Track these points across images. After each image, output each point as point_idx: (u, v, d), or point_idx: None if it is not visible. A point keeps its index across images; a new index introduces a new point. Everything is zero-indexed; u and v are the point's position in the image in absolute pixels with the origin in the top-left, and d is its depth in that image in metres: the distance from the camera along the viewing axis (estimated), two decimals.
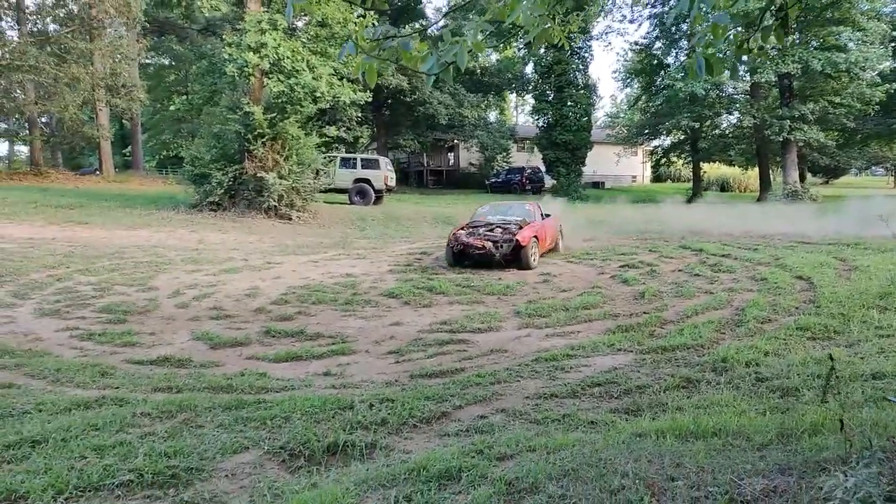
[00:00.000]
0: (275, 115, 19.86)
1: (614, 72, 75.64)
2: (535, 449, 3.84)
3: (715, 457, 3.40)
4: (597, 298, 8.83)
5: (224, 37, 20.74)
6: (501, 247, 11.78)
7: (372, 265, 12.82)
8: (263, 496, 3.56)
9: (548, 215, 14.15)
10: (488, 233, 12.32)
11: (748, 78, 31.87)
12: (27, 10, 33.46)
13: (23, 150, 44.70)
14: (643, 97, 39.67)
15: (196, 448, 4.17)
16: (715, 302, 8.26)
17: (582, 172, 38.61)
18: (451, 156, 49.44)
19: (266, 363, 6.39)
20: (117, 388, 5.49)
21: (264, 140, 19.96)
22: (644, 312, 7.93)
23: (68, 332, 7.41)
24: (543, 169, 40.65)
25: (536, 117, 39.55)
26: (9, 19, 34.85)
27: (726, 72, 2.73)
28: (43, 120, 36.27)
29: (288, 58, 19.06)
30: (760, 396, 4.97)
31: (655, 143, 43.03)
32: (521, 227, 12.41)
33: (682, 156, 41.31)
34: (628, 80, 42.13)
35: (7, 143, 43.88)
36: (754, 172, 42.54)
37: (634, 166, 54.67)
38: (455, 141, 45.27)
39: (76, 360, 6.26)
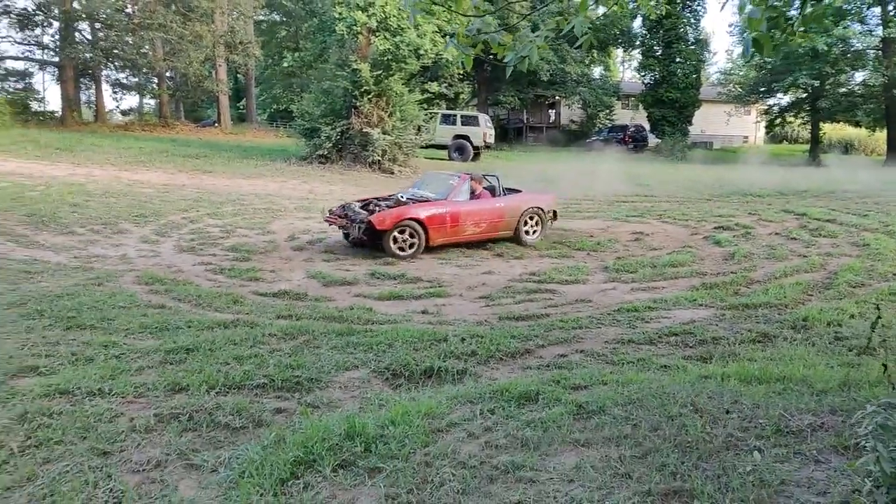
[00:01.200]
0: (380, 72, 20.60)
1: (730, 25, 71.28)
2: (608, 382, 4.32)
3: (772, 397, 3.77)
4: (686, 257, 9.05)
5: None
6: (358, 227, 9.43)
7: None
8: (371, 403, 4.26)
9: (515, 191, 11.49)
10: (361, 209, 10.04)
11: (880, 32, 29.54)
12: None
13: (150, 103, 48.08)
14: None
15: (314, 364, 4.96)
16: (807, 265, 8.28)
17: (688, 132, 37.35)
18: (551, 112, 48.91)
19: (371, 300, 7.15)
20: (248, 313, 6.40)
21: (370, 97, 20.79)
22: (731, 272, 8.11)
23: (203, 266, 8.50)
24: (648, 127, 39.58)
25: (643, 74, 38.41)
26: None
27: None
28: (168, 75, 38.84)
29: (394, 16, 19.66)
30: (835, 353, 5.19)
31: (771, 101, 40.72)
32: (397, 207, 9.84)
33: (800, 115, 38.92)
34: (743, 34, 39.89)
35: (138, 96, 47.29)
36: (882, 135, 39.52)
37: (747, 126, 51.94)
38: (556, 97, 44.69)
39: (212, 289, 7.27)
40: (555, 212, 11.35)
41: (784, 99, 39.24)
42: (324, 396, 4.47)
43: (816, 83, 32.94)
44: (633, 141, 39.79)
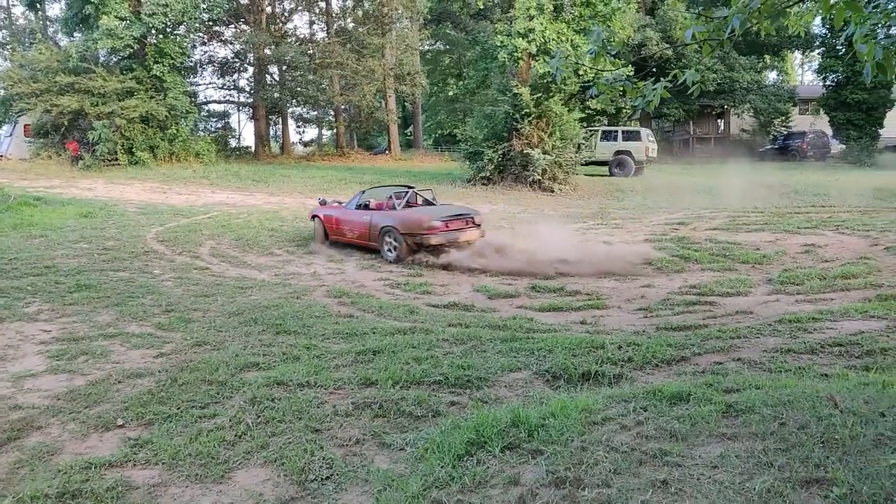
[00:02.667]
0: (540, 94, 21.21)
1: None
2: (761, 387, 4.48)
3: None
4: (860, 269, 8.59)
5: (495, 24, 22.55)
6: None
7: (628, 234, 13.51)
8: (532, 400, 4.76)
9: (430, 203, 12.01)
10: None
11: None
12: (333, 13, 39.38)
13: (327, 134, 52.61)
14: None
15: (482, 365, 5.56)
16: None
17: (878, 136, 33.93)
18: (720, 122, 46.59)
19: (532, 311, 7.65)
20: (423, 322, 7.18)
21: (530, 119, 21.45)
22: None
23: (381, 282, 9.50)
24: (830, 133, 36.50)
25: (823, 76, 35.56)
26: (320, 23, 41.34)
27: None
28: (343, 107, 42.34)
29: (553, 39, 20.21)
30: None
31: None
32: None
33: None
34: None
35: (317, 128, 51.92)
36: None
37: None
38: (725, 107, 42.58)
39: (391, 301, 8.18)
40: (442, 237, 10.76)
41: None
42: (491, 393, 5.05)
43: None
44: (814, 148, 36.84)
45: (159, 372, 5.45)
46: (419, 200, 12.15)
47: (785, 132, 40.33)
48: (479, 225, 11.32)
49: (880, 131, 33.96)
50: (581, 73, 20.72)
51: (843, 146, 34.08)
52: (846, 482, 2.89)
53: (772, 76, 48.95)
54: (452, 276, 9.93)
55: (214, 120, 42.47)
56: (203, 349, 6.14)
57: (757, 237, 12.26)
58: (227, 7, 31.25)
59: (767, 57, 42.30)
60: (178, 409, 4.66)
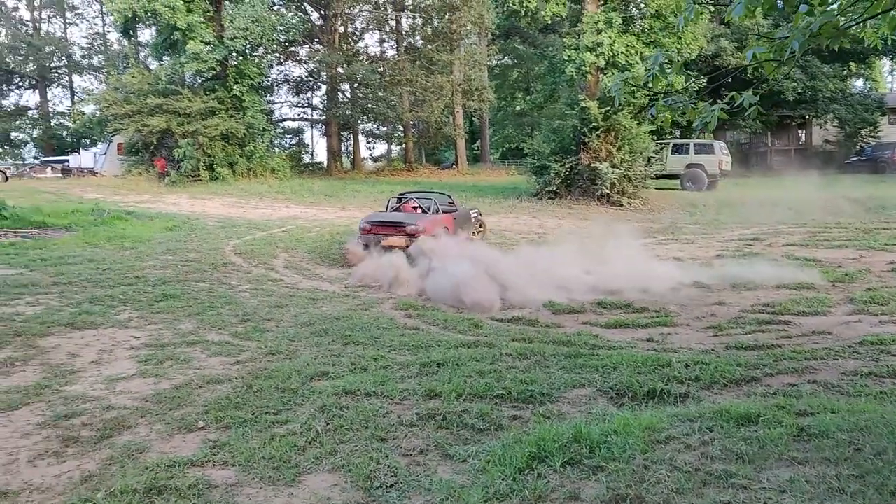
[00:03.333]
0: (609, 108, 21.00)
1: None
2: (837, 411, 4.33)
3: None
4: None
5: (563, 38, 22.52)
6: None
7: (699, 250, 13.18)
8: (595, 417, 4.75)
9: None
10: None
11: None
12: (403, 32, 40.23)
13: (396, 149, 53.58)
14: None
15: (545, 381, 5.57)
16: None
17: None
18: (801, 133, 44.72)
19: (598, 328, 7.60)
20: (486, 336, 7.25)
21: (598, 132, 21.26)
22: None
23: None
24: None
25: None
26: (390, 40, 42.30)
27: None
28: (412, 123, 43.06)
29: (622, 52, 20.02)
30: None
31: None
32: None
33: None
34: None
35: (386, 144, 52.97)
36: None
37: None
38: (806, 117, 40.89)
39: (456, 315, 8.27)
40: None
41: None
42: (554, 409, 5.06)
43: None
44: None
45: (236, 378, 5.73)
46: (436, 206, 12.78)
47: (873, 143, 38.32)
48: (411, 234, 11.36)
49: None
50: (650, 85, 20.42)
51: None
52: None
53: (858, 84, 46.67)
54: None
55: (289, 136, 44.04)
56: (276, 358, 6.40)
57: (839, 254, 11.76)
58: (302, 28, 32.44)
59: (853, 64, 40.39)
60: (254, 414, 4.89)
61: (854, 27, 2.98)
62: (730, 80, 35.82)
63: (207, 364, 6.23)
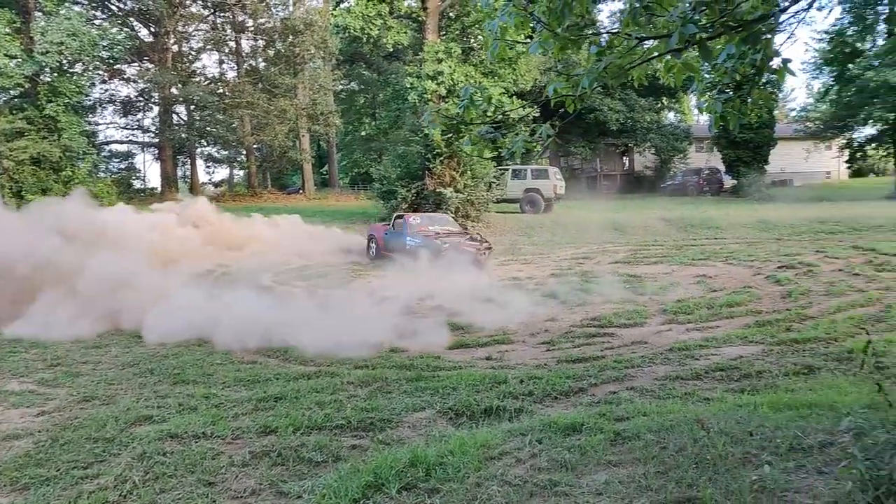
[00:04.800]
0: (451, 135, 21.63)
1: (802, 63, 69.51)
2: (648, 414, 4.69)
3: (795, 421, 4.06)
4: (743, 297, 9.19)
5: (406, 66, 23.00)
6: None
7: (537, 269, 13.90)
8: (434, 438, 4.79)
9: None
10: None
11: None
12: (243, 53, 39.03)
13: (239, 174, 51.59)
14: (833, 88, 36.64)
15: (386, 406, 5.55)
16: (863, 300, 8.31)
17: (765, 171, 36.55)
18: (624, 160, 48.94)
19: (440, 350, 7.71)
20: (329, 365, 7.09)
21: (442, 158, 21.84)
22: (786, 309, 8.23)
23: None
24: (723, 169, 39.01)
25: (714, 118, 38.07)
26: (229, 61, 40.84)
27: None
28: (255, 147, 41.73)
29: (462, 82, 20.80)
30: (871, 380, 5.33)
31: (852, 135, 39.37)
32: None
33: (882, 147, 37.43)
34: (816, 72, 39.01)
35: (228, 168, 50.81)
36: None
37: (827, 162, 50.12)
38: (628, 145, 44.85)
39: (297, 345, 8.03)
40: None
41: (864, 131, 37.94)
42: (394, 434, 5.04)
43: (892, 116, 31.88)
44: (709, 184, 39.21)
45: (39, 432, 5.14)
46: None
47: (683, 169, 42.75)
48: None
49: (766, 167, 36.54)
50: (490, 114, 21.39)
51: (734, 182, 36.43)
52: (713, 499, 3.07)
53: (671, 116, 52.00)
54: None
55: (117, 161, 40.82)
56: (91, 405, 5.84)
57: (656, 269, 12.90)
58: (129, 45, 30.39)
59: (665, 99, 44.95)
60: (58, 470, 4.40)
61: (637, 67, 3.31)
62: (560, 109, 38.63)
63: (4, 418, 5.54)
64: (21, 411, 5.70)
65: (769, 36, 3.49)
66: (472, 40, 24.01)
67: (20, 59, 23.56)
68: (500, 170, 27.47)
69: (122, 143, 39.04)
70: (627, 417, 4.64)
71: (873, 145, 37.34)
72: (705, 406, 4.80)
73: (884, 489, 2.85)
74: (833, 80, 37.27)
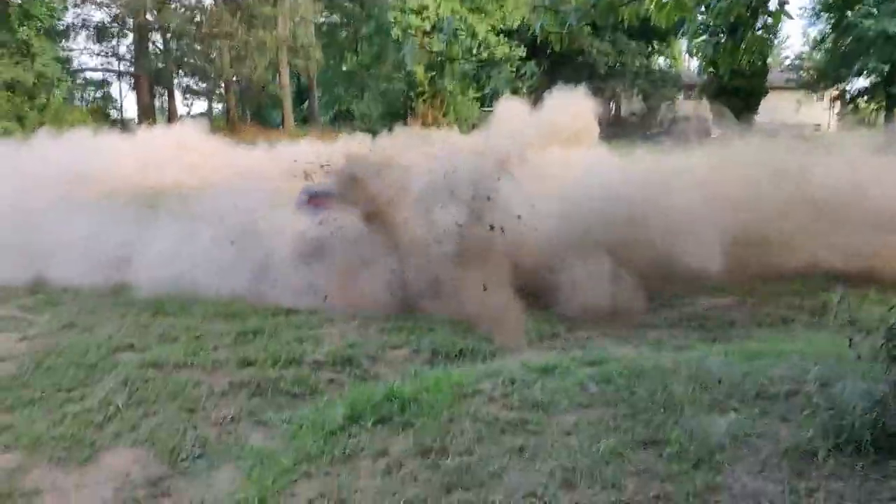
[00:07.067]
0: (434, 73, 21.34)
1: (800, 8, 68.45)
2: (620, 360, 4.83)
3: (765, 370, 4.20)
4: None
5: (390, 0, 22.40)
6: None
7: None
8: (410, 376, 4.90)
9: None
10: None
11: None
12: None
13: (218, 107, 50.36)
14: (829, 37, 36.16)
15: (365, 344, 5.64)
16: None
17: (755, 121, 36.56)
18: (611, 105, 48.54)
19: None
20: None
21: (425, 98, 21.57)
22: None
23: None
24: (710, 118, 38.95)
25: (704, 63, 37.73)
26: None
27: None
28: (234, 79, 40.64)
29: (447, 18, 20.34)
30: (843, 333, 5.51)
31: (846, 86, 39.15)
32: None
33: (874, 101, 37.31)
34: (813, 18, 38.39)
35: (206, 101, 49.57)
36: None
37: (819, 114, 50.11)
38: (616, 90, 44.40)
39: None
40: None
41: (857, 83, 37.67)
42: (371, 370, 5.17)
43: (887, 67, 31.70)
44: (696, 133, 39.09)
45: (22, 355, 5.19)
46: None
47: (671, 116, 42.53)
48: None
49: (755, 117, 36.51)
50: (475, 52, 21.06)
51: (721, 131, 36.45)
52: (678, 442, 3.22)
53: (661, 61, 51.24)
54: None
55: (93, 89, 39.62)
56: (73, 332, 5.89)
57: None
58: None
59: (655, 42, 44.29)
60: (43, 393, 4.48)
61: (628, 5, 3.26)
62: (548, 51, 38.03)
63: None
64: (4, 336, 5.73)
65: None
66: None
67: None
68: (485, 111, 27.22)
69: (96, 70, 37.81)
70: (599, 362, 4.77)
71: (865, 98, 37.16)
72: (677, 354, 4.94)
73: (844, 437, 3.01)
74: (830, 28, 36.67)
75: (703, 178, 7.56)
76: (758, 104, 36.14)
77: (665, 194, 7.01)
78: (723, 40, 3.36)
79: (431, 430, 3.64)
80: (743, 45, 3.28)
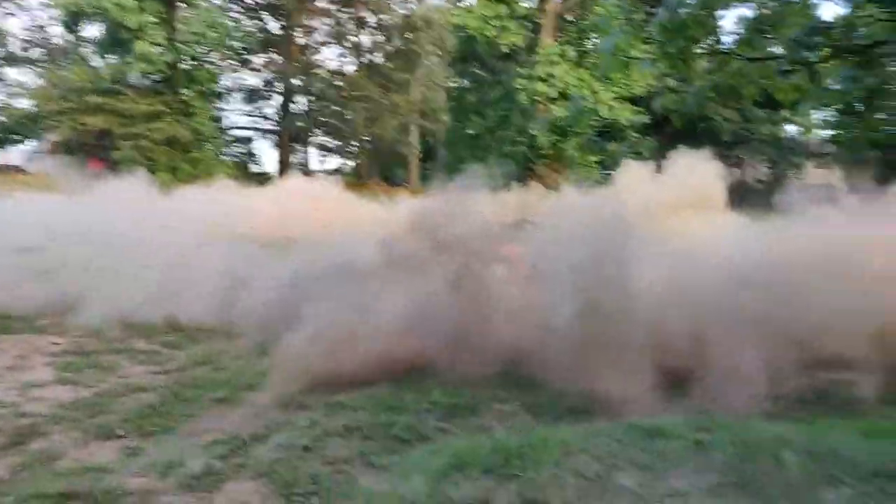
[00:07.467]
0: (556, 137, 21.68)
1: None
2: (732, 426, 4.66)
3: (886, 447, 3.93)
4: None
5: (518, 67, 23.19)
6: None
7: None
8: (517, 430, 4.96)
9: None
10: None
11: None
12: (363, 48, 40.45)
13: (348, 163, 53.45)
14: None
15: (472, 396, 5.77)
16: None
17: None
18: (736, 172, 46.78)
19: None
20: None
21: (547, 161, 21.92)
22: None
23: None
24: (841, 187, 36.58)
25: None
26: (349, 55, 42.44)
27: None
28: (366, 138, 43.13)
29: (574, 85, 20.74)
30: None
31: None
32: None
33: None
34: None
35: (339, 158, 52.75)
36: None
37: None
38: (740, 157, 42.85)
39: None
40: None
41: None
42: (478, 422, 5.28)
43: None
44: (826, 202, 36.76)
45: (161, 387, 5.74)
46: None
47: (798, 184, 40.36)
48: None
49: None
50: (596, 118, 21.24)
51: None
52: None
53: (790, 129, 48.99)
54: None
55: (238, 145, 43.44)
56: (206, 368, 6.45)
57: None
58: (259, 37, 32.33)
59: (784, 111, 42.53)
60: (177, 423, 4.96)
61: (747, 87, 3.35)
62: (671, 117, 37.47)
63: (133, 372, 6.21)
64: (148, 368, 6.37)
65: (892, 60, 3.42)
66: (588, 43, 23.83)
67: (164, 47, 25.66)
68: (605, 175, 27.14)
69: (244, 129, 41.51)
70: (710, 429, 4.63)
71: None
72: (794, 426, 4.70)
73: None
74: None
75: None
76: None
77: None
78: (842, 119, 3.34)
79: (535, 483, 3.70)
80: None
